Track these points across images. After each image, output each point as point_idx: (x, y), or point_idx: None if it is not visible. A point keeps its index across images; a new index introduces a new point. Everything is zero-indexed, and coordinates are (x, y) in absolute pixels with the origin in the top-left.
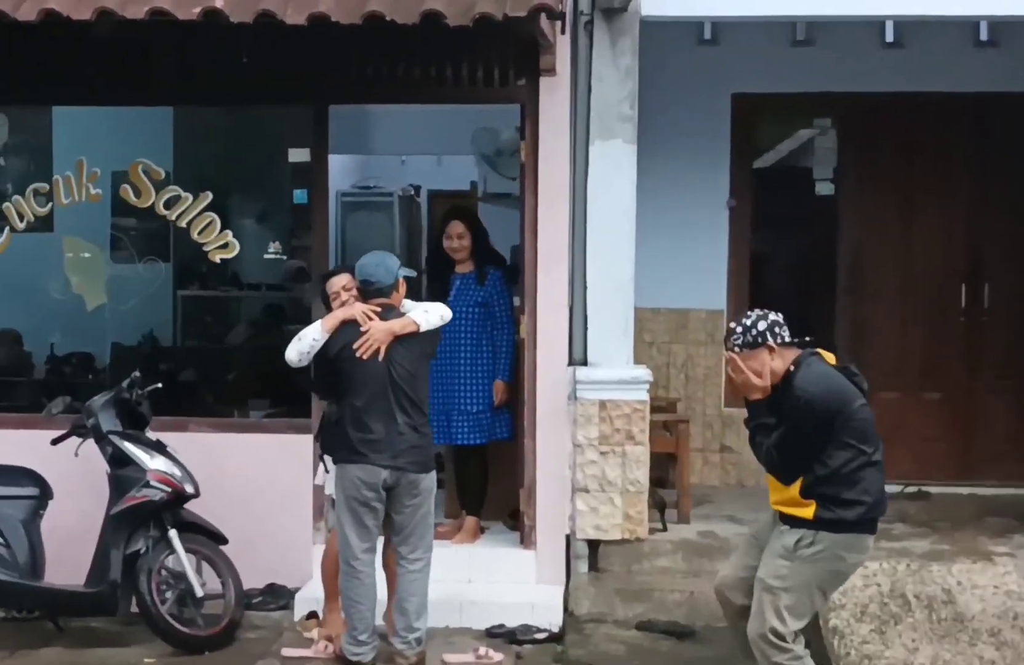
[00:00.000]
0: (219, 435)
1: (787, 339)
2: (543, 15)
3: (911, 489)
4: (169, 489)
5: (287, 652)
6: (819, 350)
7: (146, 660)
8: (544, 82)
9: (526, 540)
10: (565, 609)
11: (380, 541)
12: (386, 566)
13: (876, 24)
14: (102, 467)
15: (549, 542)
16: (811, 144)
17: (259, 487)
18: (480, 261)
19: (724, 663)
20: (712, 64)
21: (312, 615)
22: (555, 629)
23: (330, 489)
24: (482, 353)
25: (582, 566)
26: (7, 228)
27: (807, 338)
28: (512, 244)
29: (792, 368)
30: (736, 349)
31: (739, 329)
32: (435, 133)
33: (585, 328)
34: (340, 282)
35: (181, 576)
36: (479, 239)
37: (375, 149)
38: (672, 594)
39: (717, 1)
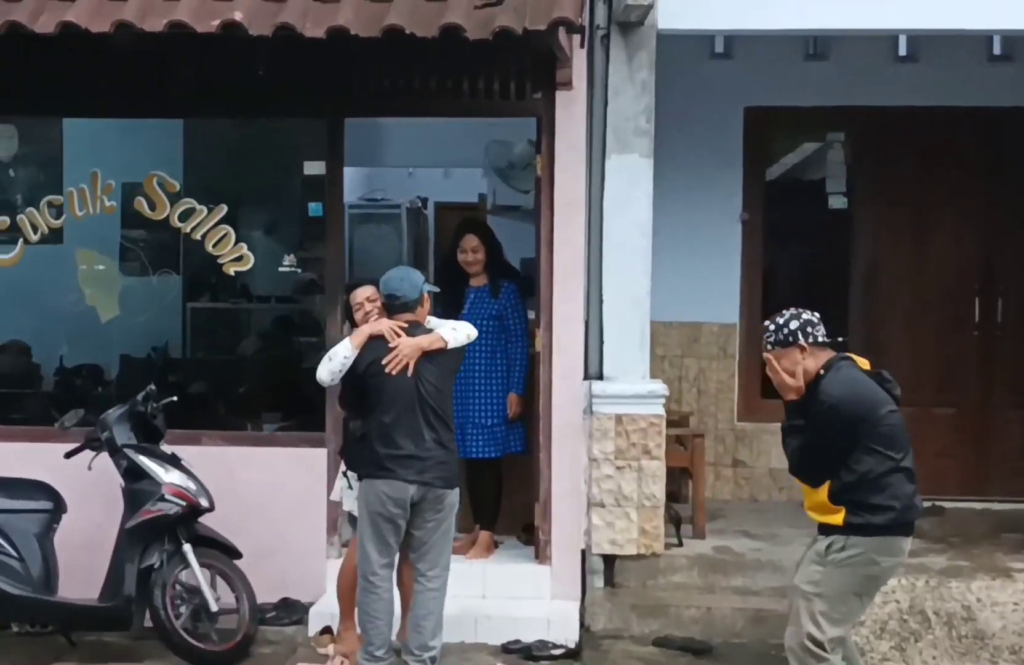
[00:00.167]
0: (232, 448)
1: (820, 339)
2: (561, 29)
3: (925, 504)
4: (184, 503)
5: None
6: (851, 355)
7: None
8: (560, 95)
9: (541, 555)
10: (581, 625)
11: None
12: (401, 583)
13: (889, 38)
14: (115, 480)
15: (564, 557)
16: (824, 158)
17: (272, 500)
18: (494, 274)
19: None
20: (725, 78)
21: (327, 630)
22: (571, 645)
23: (349, 505)
24: (496, 366)
25: (598, 581)
26: (20, 240)
27: (840, 340)
28: (521, 257)
29: (822, 371)
30: (769, 347)
31: (772, 327)
32: (442, 145)
33: (601, 342)
34: (364, 294)
35: (196, 591)
36: (493, 252)
37: (382, 161)
38: (688, 610)
39: (733, 15)
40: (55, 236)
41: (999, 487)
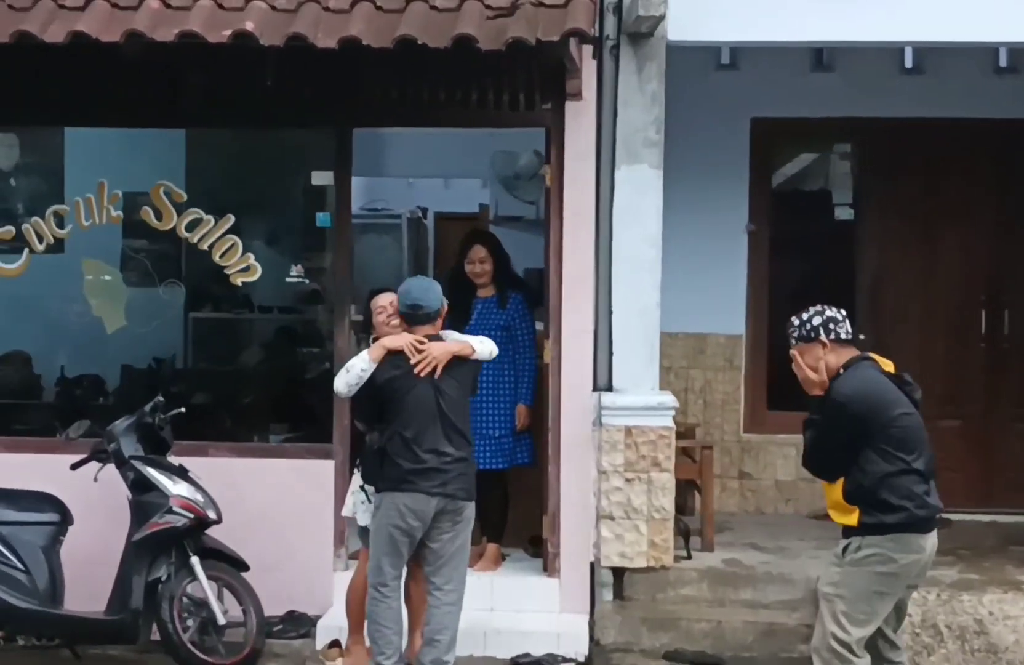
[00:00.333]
0: (239, 460)
1: (843, 336)
2: (573, 40)
3: None
4: (192, 515)
5: None
6: (874, 356)
7: None
8: (570, 106)
9: (550, 568)
10: (591, 638)
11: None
12: (408, 599)
13: (896, 50)
14: (121, 492)
15: (573, 570)
16: (830, 169)
17: (279, 512)
18: (501, 285)
19: None
20: (731, 89)
21: (335, 644)
22: (581, 659)
23: (365, 520)
24: (504, 377)
25: (607, 594)
26: (26, 249)
27: (862, 337)
28: (525, 267)
29: (842, 369)
30: (793, 342)
31: (796, 323)
32: (443, 155)
33: (610, 354)
34: (388, 298)
35: (203, 604)
36: (501, 263)
37: (382, 171)
38: (699, 623)
39: (742, 27)
40: (55, 246)
41: (1005, 499)
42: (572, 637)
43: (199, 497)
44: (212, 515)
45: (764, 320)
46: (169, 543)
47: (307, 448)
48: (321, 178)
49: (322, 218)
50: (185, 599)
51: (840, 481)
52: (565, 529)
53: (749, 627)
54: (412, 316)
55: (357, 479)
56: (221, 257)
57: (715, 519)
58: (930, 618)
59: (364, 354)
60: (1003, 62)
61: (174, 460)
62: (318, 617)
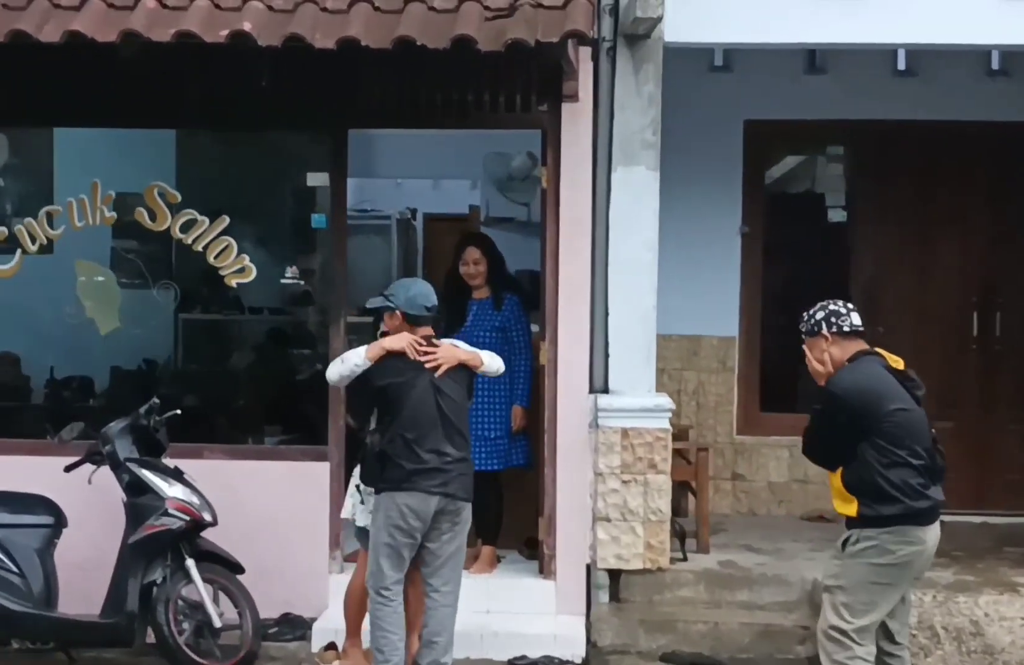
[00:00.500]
0: (234, 462)
1: (845, 328)
2: (571, 41)
3: None
4: (188, 518)
5: None
6: (881, 351)
7: None
8: (567, 108)
9: (546, 570)
10: (587, 640)
11: None
12: (405, 601)
13: (888, 53)
14: (116, 494)
15: (569, 572)
16: (823, 171)
17: (274, 515)
18: (496, 287)
19: None
20: (725, 91)
21: (331, 646)
22: (578, 661)
23: (363, 520)
24: (500, 379)
25: (603, 596)
26: (19, 250)
27: (880, 329)
28: (517, 269)
29: (847, 363)
30: (803, 337)
31: (804, 318)
32: (432, 157)
33: (607, 356)
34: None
35: (199, 606)
36: (495, 264)
37: (371, 172)
38: (696, 625)
39: (738, 28)
40: (47, 247)
41: (998, 501)
42: (569, 639)
43: (195, 499)
44: (208, 517)
45: (757, 322)
46: (165, 546)
47: (302, 450)
48: (316, 179)
49: (317, 219)
50: (181, 602)
51: (840, 470)
52: (561, 531)
53: (746, 628)
54: (416, 317)
55: (355, 480)
56: (216, 258)
57: (709, 521)
58: (927, 619)
59: (361, 350)
60: (995, 65)
61: (169, 462)
62: (313, 619)
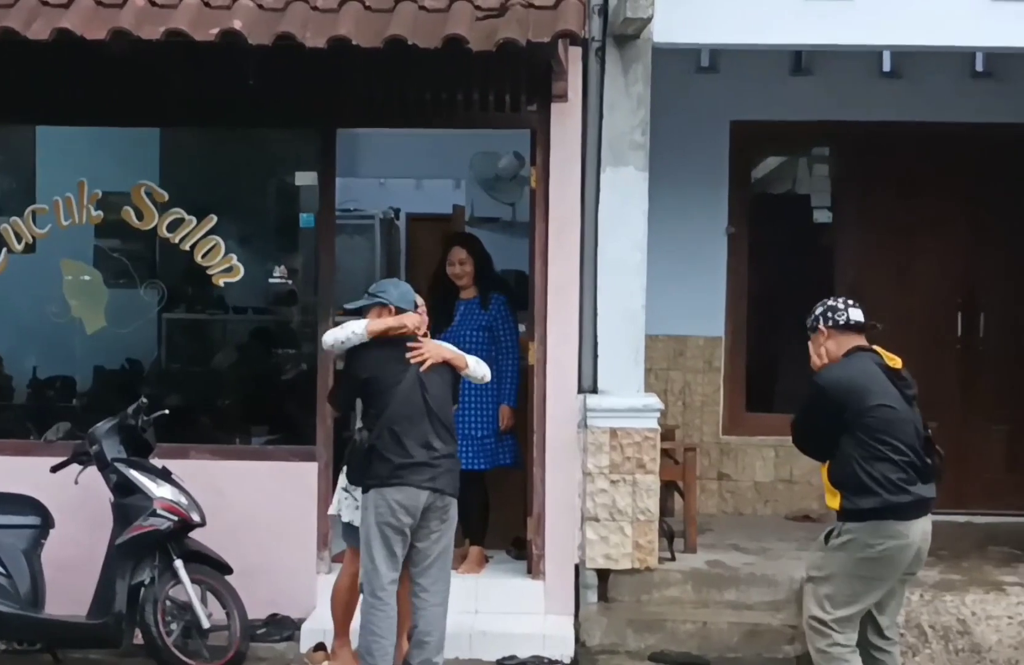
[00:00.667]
0: (221, 462)
1: (841, 323)
2: (561, 41)
3: None
4: (176, 518)
5: None
6: (877, 348)
7: None
8: (556, 108)
9: (534, 570)
10: (576, 640)
11: None
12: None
13: (873, 55)
14: (102, 494)
15: (558, 572)
16: (809, 172)
17: (261, 515)
18: (483, 286)
19: None
20: (711, 92)
21: (320, 647)
22: (567, 660)
23: (349, 516)
24: None
25: (591, 596)
26: (4, 249)
27: (880, 326)
28: (502, 269)
29: (841, 358)
30: (809, 334)
31: (810, 315)
32: (415, 156)
33: (595, 356)
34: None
35: (187, 607)
36: (482, 264)
37: (354, 172)
38: (684, 624)
39: (727, 29)
40: (31, 246)
41: (981, 501)
42: (558, 639)
43: (183, 500)
44: (196, 518)
45: (743, 322)
46: (153, 546)
47: (290, 450)
48: (305, 178)
49: (305, 218)
50: (169, 602)
51: (828, 463)
52: (550, 531)
53: (734, 628)
54: (407, 311)
55: (343, 479)
56: (203, 258)
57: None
58: (914, 618)
59: (362, 323)
60: (979, 67)
61: (157, 463)
62: (302, 620)
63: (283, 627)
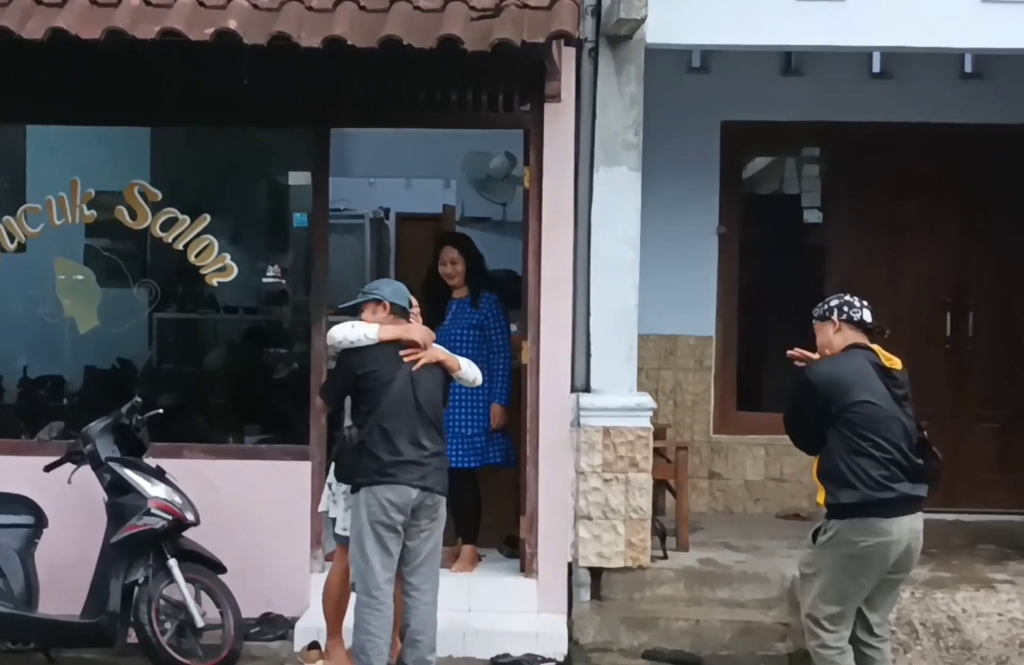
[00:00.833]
0: (215, 461)
1: (855, 319)
2: (554, 42)
3: None
4: (170, 517)
5: None
6: (875, 347)
7: None
8: (549, 108)
9: (527, 568)
10: (569, 638)
11: None
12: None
13: (864, 56)
14: (96, 493)
15: (551, 570)
16: (799, 172)
17: (255, 514)
18: (475, 285)
19: None
20: (702, 92)
21: (314, 646)
22: (560, 659)
23: (335, 512)
24: None
25: (584, 594)
26: None
27: (886, 332)
28: (492, 268)
29: (840, 353)
30: (814, 320)
31: (819, 304)
32: (405, 156)
33: (588, 355)
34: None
35: (181, 606)
36: (473, 264)
37: (344, 171)
38: (677, 623)
39: (719, 30)
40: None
41: (970, 499)
42: (551, 637)
43: (177, 499)
44: (190, 517)
45: (734, 321)
46: (147, 545)
47: (284, 449)
48: (298, 178)
49: (298, 218)
50: (163, 601)
51: (818, 458)
52: (543, 529)
53: (727, 626)
54: (402, 308)
55: (331, 476)
56: (196, 257)
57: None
58: (905, 616)
59: (375, 327)
60: (968, 68)
61: (151, 462)
62: (295, 619)
63: (277, 626)
